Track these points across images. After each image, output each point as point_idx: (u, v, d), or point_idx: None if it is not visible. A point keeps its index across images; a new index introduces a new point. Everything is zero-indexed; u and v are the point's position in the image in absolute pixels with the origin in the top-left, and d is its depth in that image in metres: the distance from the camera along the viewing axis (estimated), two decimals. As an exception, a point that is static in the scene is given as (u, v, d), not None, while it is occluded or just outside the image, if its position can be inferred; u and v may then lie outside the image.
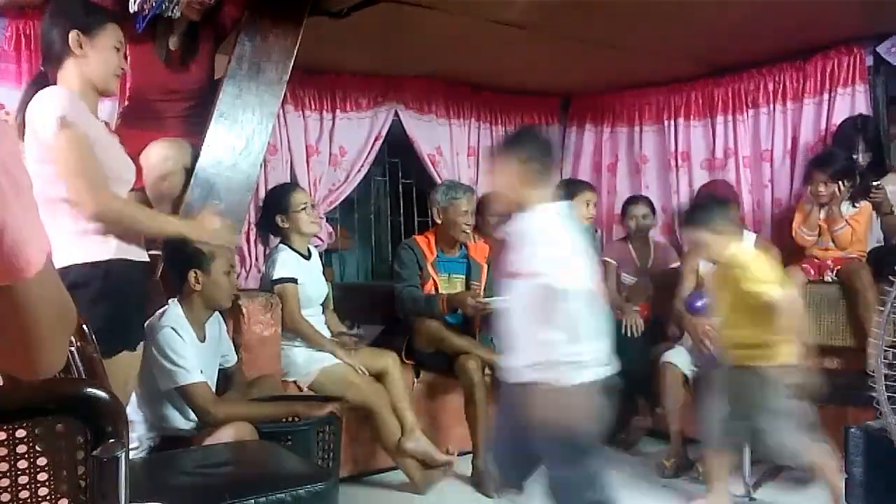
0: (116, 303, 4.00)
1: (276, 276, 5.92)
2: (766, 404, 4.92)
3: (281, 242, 6.11)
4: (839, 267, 6.37)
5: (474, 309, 6.32)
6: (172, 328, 4.64)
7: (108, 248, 4.02)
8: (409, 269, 6.57)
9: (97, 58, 4.15)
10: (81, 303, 3.85)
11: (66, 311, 1.75)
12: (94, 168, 3.95)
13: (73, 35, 4.08)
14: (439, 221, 6.74)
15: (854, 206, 6.39)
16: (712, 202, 5.53)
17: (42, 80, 4.18)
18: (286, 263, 5.96)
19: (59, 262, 3.88)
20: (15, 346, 1.65)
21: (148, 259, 4.37)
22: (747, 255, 5.14)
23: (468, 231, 6.64)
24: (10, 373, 1.73)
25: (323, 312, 6.38)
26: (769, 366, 4.89)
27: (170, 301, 4.77)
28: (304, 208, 6.07)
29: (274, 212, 6.09)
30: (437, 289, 6.60)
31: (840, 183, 6.30)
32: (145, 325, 4.56)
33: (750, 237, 6.71)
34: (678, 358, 6.45)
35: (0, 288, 1.57)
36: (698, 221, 5.20)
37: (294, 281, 5.91)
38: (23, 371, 1.72)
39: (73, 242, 3.94)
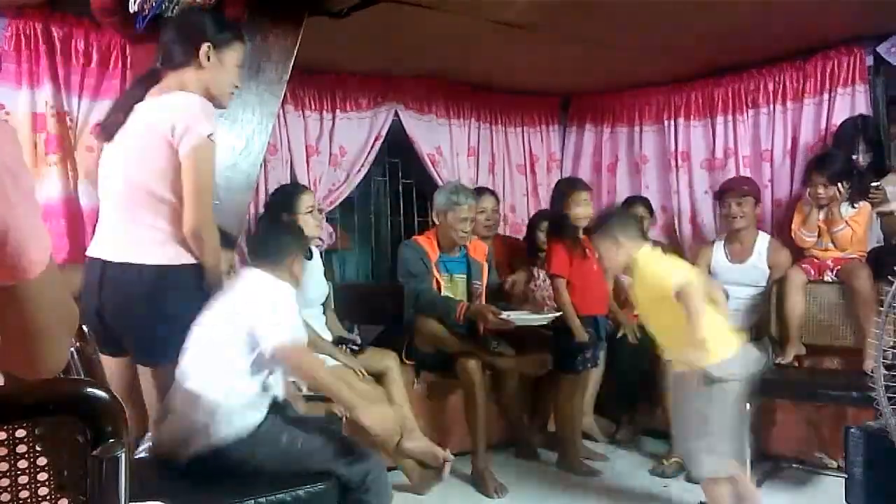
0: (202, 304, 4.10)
1: None
2: (695, 408, 4.70)
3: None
4: (839, 267, 6.38)
5: (496, 325, 6.32)
6: None
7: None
8: (420, 268, 6.51)
9: (221, 73, 4.25)
10: (170, 302, 4.06)
11: (67, 311, 1.77)
12: (210, 193, 4.08)
13: (204, 47, 4.13)
14: (437, 223, 6.71)
15: (853, 207, 6.38)
16: (612, 214, 5.56)
17: (152, 79, 4.28)
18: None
19: (151, 259, 4.04)
20: (16, 346, 1.66)
21: None
22: (643, 257, 4.94)
23: (466, 236, 6.60)
24: (12, 372, 1.74)
25: (324, 313, 6.38)
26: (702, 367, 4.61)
27: None
28: (310, 211, 6.06)
29: (280, 210, 6.07)
30: (440, 289, 6.56)
31: (839, 185, 6.30)
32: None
33: (764, 238, 6.73)
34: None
35: (2, 288, 1.59)
36: (598, 232, 5.12)
37: None
38: (24, 370, 1.73)
39: (170, 243, 4.05)
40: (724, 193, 6.89)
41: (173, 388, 4.08)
